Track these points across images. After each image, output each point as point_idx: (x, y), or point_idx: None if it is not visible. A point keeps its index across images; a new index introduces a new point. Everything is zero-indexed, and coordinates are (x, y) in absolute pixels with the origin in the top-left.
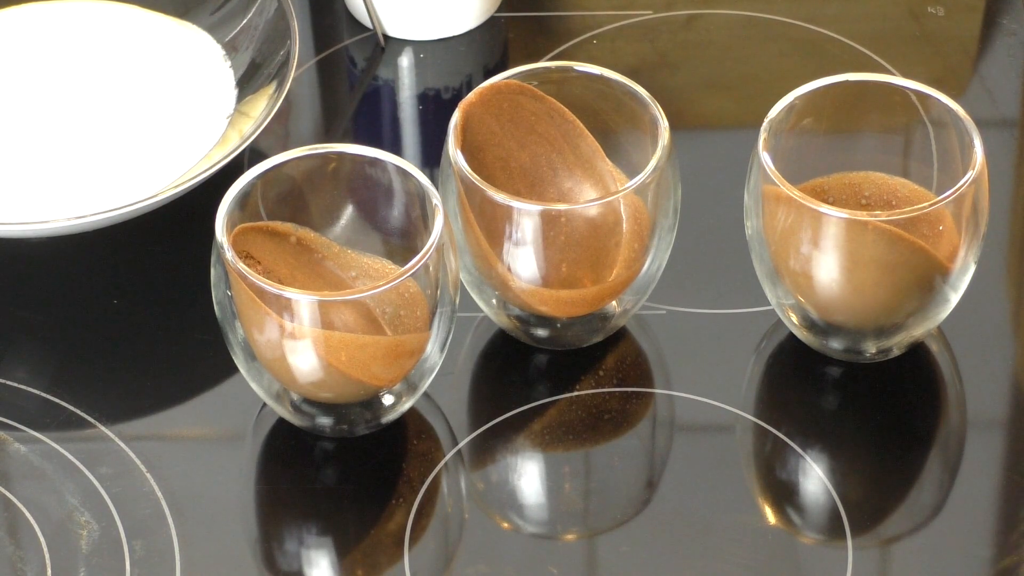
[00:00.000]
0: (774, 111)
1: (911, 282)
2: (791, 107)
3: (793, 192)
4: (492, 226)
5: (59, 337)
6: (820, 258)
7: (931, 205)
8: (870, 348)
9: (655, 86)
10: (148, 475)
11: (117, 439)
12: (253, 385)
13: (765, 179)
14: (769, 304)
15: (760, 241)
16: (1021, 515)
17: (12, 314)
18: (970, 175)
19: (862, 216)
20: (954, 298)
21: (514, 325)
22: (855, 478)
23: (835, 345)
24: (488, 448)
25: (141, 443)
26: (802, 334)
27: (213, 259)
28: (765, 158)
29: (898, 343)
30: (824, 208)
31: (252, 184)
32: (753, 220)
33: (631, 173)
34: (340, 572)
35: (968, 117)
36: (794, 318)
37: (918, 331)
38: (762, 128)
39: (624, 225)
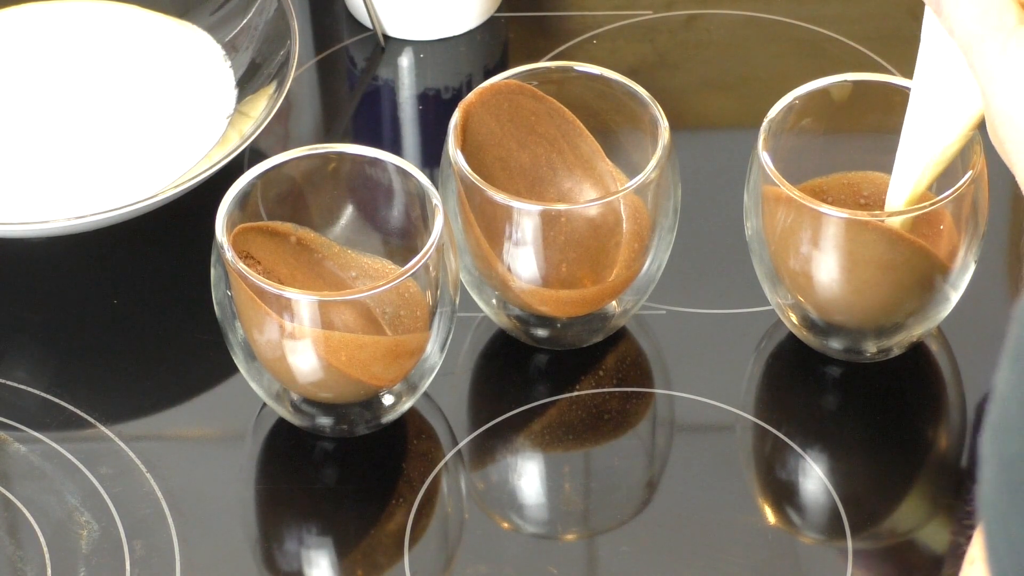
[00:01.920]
0: (774, 111)
1: (911, 282)
2: (791, 107)
3: (793, 192)
4: (492, 226)
5: (59, 337)
6: (820, 258)
7: (931, 205)
8: (870, 348)
9: (655, 86)
10: (148, 475)
11: (117, 439)
12: (253, 385)
13: (765, 179)
14: (769, 304)
15: (760, 241)
16: None
17: (12, 314)
18: (969, 175)
19: (862, 216)
20: (954, 297)
21: (514, 325)
22: (855, 478)
23: (835, 345)
24: (488, 448)
25: (141, 443)
26: (802, 334)
27: (213, 259)
28: (764, 158)
29: (898, 343)
30: (824, 208)
31: (252, 184)
32: (753, 220)
33: (631, 173)
34: (340, 572)
35: None
36: (794, 318)
37: (918, 331)
38: (762, 128)
39: (624, 225)
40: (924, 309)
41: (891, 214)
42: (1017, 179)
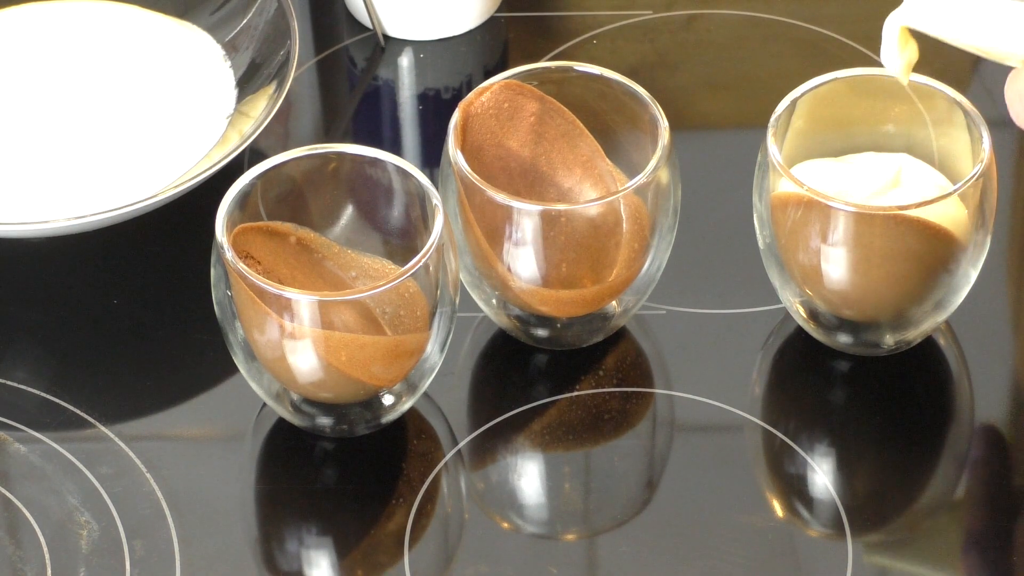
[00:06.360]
0: (780, 108)
1: (924, 271)
2: (793, 105)
3: (814, 194)
4: (492, 226)
5: (59, 337)
6: (831, 252)
7: (942, 196)
8: (888, 341)
9: (655, 86)
10: (148, 475)
11: (117, 439)
12: (253, 385)
13: (775, 176)
14: (770, 304)
15: (773, 240)
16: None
17: (12, 314)
18: (979, 168)
19: (874, 209)
20: (965, 288)
21: (514, 325)
22: (855, 478)
23: (849, 339)
24: (488, 448)
25: (141, 443)
26: (811, 327)
27: (213, 259)
28: (774, 151)
29: (917, 334)
30: (835, 203)
31: (252, 184)
32: (764, 219)
33: (631, 173)
34: (340, 572)
35: (975, 110)
36: (804, 313)
37: (940, 317)
38: (770, 124)
39: (624, 225)
40: (937, 297)
41: (904, 207)
42: None
